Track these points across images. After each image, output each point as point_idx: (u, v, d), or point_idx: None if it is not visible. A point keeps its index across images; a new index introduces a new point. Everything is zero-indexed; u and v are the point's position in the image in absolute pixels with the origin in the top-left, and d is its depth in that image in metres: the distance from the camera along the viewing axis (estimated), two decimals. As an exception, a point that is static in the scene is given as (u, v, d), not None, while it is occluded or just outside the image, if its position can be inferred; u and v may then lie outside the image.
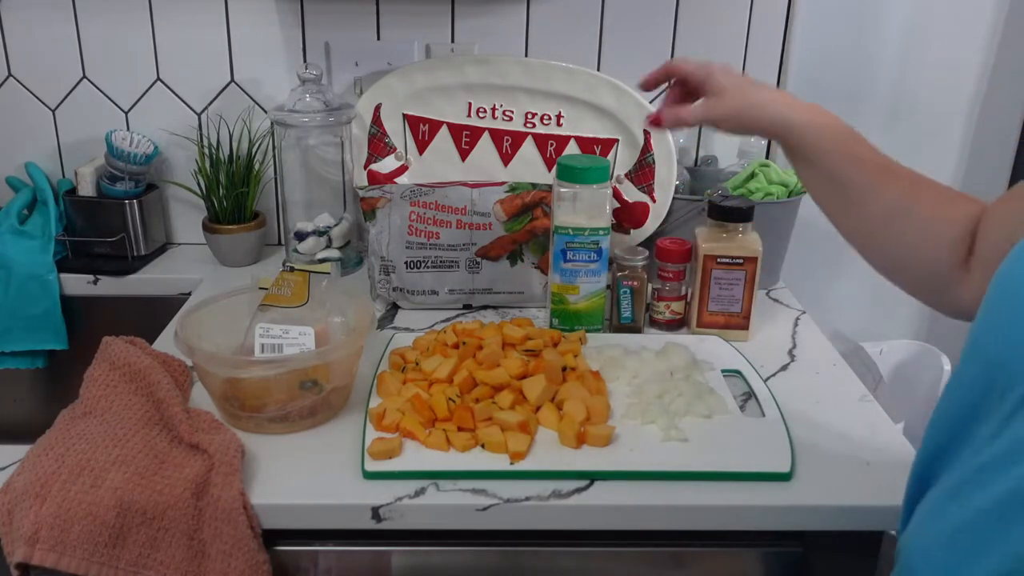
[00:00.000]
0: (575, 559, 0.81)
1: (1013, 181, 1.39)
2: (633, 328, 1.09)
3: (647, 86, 0.89)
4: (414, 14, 1.26)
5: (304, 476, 0.80)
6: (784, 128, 0.80)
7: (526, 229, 1.13)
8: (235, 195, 1.27)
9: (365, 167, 1.26)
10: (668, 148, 1.19)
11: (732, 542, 0.81)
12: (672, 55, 1.28)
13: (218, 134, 1.30)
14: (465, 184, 1.13)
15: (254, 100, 1.30)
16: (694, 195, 1.22)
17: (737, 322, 1.07)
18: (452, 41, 1.28)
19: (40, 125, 1.32)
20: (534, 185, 1.13)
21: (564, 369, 0.93)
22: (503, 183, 1.13)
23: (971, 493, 0.52)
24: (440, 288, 1.14)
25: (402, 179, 1.25)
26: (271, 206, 1.36)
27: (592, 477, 0.80)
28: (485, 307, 1.16)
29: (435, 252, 1.12)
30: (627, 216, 1.21)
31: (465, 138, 1.24)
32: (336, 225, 1.24)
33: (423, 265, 1.13)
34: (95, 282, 1.28)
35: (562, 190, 1.03)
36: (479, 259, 1.13)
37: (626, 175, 1.22)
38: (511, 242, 1.13)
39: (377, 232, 1.13)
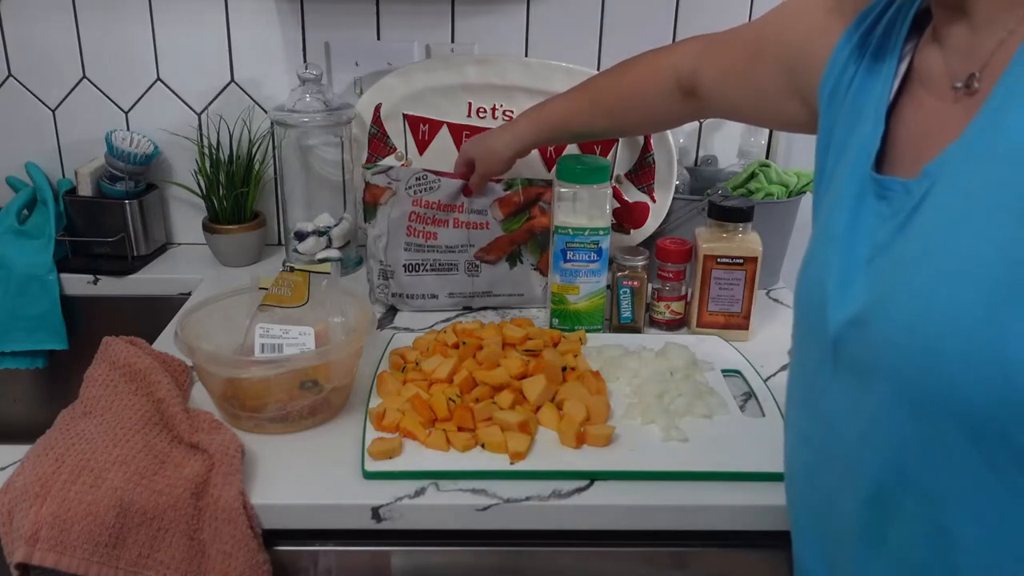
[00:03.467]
0: (575, 559, 0.81)
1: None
2: (633, 328, 1.09)
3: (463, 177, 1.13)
4: (414, 14, 1.26)
5: (304, 476, 0.80)
6: (516, 156, 1.06)
7: (524, 229, 1.12)
8: (235, 195, 1.27)
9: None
10: (668, 148, 1.19)
11: (732, 542, 0.81)
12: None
13: (218, 134, 1.30)
14: (455, 175, 1.13)
15: (254, 100, 1.30)
16: (694, 195, 1.22)
17: (737, 322, 1.07)
18: (452, 41, 1.28)
19: (40, 125, 1.32)
20: (530, 181, 1.13)
21: (564, 369, 0.93)
22: (499, 180, 1.13)
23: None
24: (440, 292, 1.14)
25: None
26: (271, 206, 1.36)
27: (592, 477, 0.80)
28: (485, 308, 1.16)
29: (433, 255, 1.12)
30: (627, 216, 1.22)
31: (465, 138, 1.24)
32: (336, 225, 1.24)
33: (422, 268, 1.12)
34: (95, 282, 1.28)
35: (562, 190, 1.03)
36: (478, 262, 1.13)
37: (626, 175, 1.22)
38: (509, 243, 1.13)
39: (376, 235, 1.12)
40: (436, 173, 1.12)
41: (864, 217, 0.58)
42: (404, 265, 1.12)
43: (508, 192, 1.12)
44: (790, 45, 0.75)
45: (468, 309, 1.16)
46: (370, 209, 1.12)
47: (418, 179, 1.11)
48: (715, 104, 0.89)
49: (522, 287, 1.15)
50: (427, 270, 1.13)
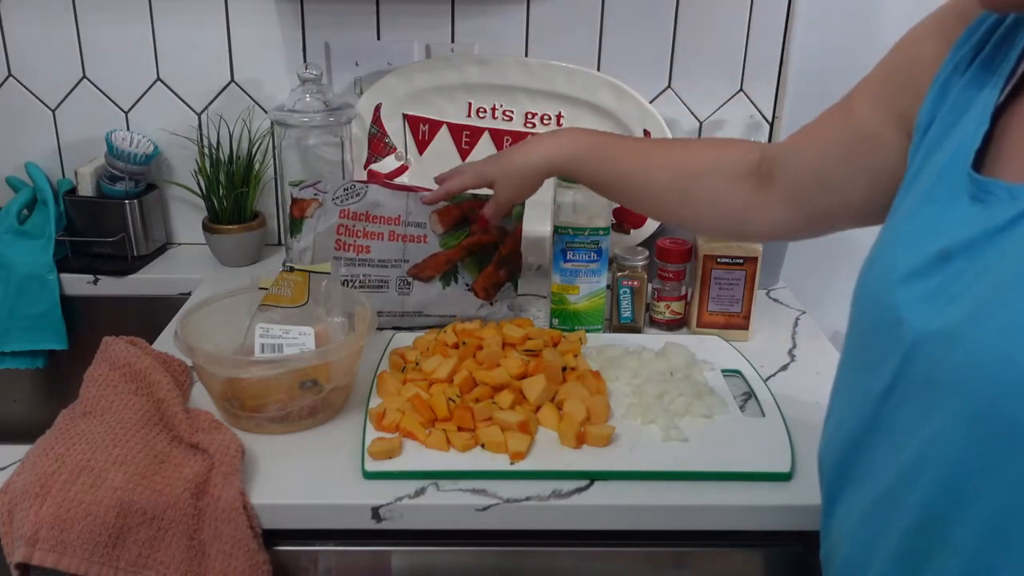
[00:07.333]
0: (575, 559, 0.81)
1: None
2: (633, 328, 1.09)
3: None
4: (414, 14, 1.26)
5: (304, 476, 0.80)
6: (546, 169, 0.91)
7: (462, 246, 1.06)
8: (235, 195, 1.27)
9: (365, 167, 1.26)
10: (668, 148, 1.19)
11: (732, 542, 0.81)
12: (672, 55, 1.28)
13: (218, 134, 1.30)
14: (402, 187, 1.07)
15: (254, 100, 1.30)
16: (694, 195, 1.22)
17: (737, 322, 1.07)
18: (452, 41, 1.28)
19: (40, 125, 1.32)
20: (475, 196, 1.05)
21: (564, 369, 0.93)
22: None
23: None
24: None
25: (401, 179, 1.25)
26: (271, 206, 1.36)
27: (592, 477, 0.80)
28: (414, 328, 1.09)
29: (364, 269, 1.05)
30: (627, 216, 1.22)
31: (465, 138, 1.24)
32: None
33: (351, 284, 1.05)
34: (95, 282, 1.28)
35: (562, 190, 1.03)
36: (410, 279, 1.06)
37: (626, 175, 1.22)
38: (445, 261, 1.06)
39: (301, 248, 1.04)
40: (364, 183, 1.05)
41: (948, 218, 0.53)
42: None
43: (448, 204, 1.05)
44: (898, 71, 0.68)
45: (397, 329, 1.09)
46: (296, 223, 1.05)
47: (345, 189, 1.04)
48: (790, 179, 0.77)
49: (455, 307, 1.08)
50: (356, 286, 1.05)
